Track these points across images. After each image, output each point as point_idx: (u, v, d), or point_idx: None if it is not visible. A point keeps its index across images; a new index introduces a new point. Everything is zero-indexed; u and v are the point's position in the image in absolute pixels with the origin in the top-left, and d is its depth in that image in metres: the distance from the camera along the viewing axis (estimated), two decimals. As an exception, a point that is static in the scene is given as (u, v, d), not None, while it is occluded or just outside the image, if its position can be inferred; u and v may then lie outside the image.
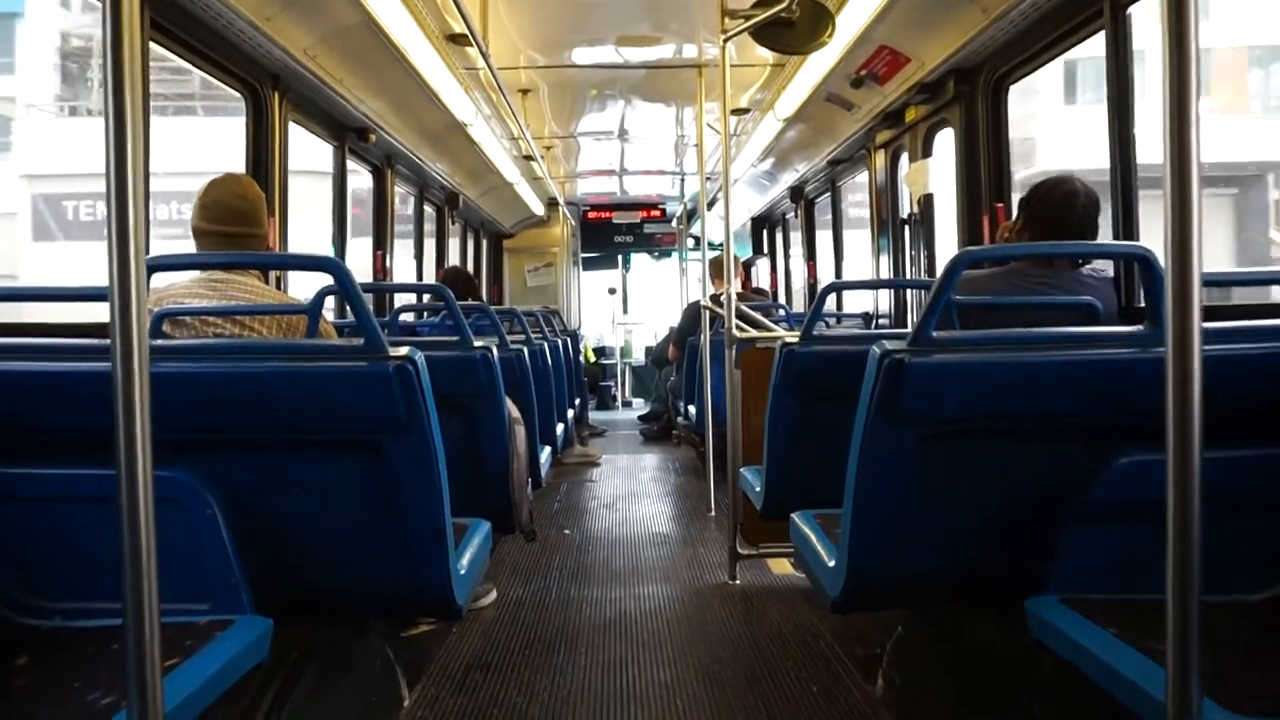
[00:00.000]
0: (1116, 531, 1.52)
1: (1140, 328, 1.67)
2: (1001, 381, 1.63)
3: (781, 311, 6.26)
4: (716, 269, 6.15)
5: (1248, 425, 1.57)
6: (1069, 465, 1.57)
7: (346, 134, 4.69)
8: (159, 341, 1.96)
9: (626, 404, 11.67)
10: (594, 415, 9.74)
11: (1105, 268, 2.69)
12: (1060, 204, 2.41)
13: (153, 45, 2.89)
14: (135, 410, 0.93)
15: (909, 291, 4.94)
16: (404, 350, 1.67)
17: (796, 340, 2.67)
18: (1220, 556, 1.42)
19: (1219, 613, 1.50)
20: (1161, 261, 0.98)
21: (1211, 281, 1.71)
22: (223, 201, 2.36)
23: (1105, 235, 2.60)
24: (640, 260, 12.26)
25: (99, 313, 1.41)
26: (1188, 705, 0.95)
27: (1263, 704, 1.11)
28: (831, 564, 1.96)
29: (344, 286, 1.75)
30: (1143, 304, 1.95)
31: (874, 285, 5.66)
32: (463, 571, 2.01)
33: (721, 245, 3.74)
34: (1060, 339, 1.67)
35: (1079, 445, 1.61)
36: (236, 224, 2.36)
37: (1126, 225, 2.86)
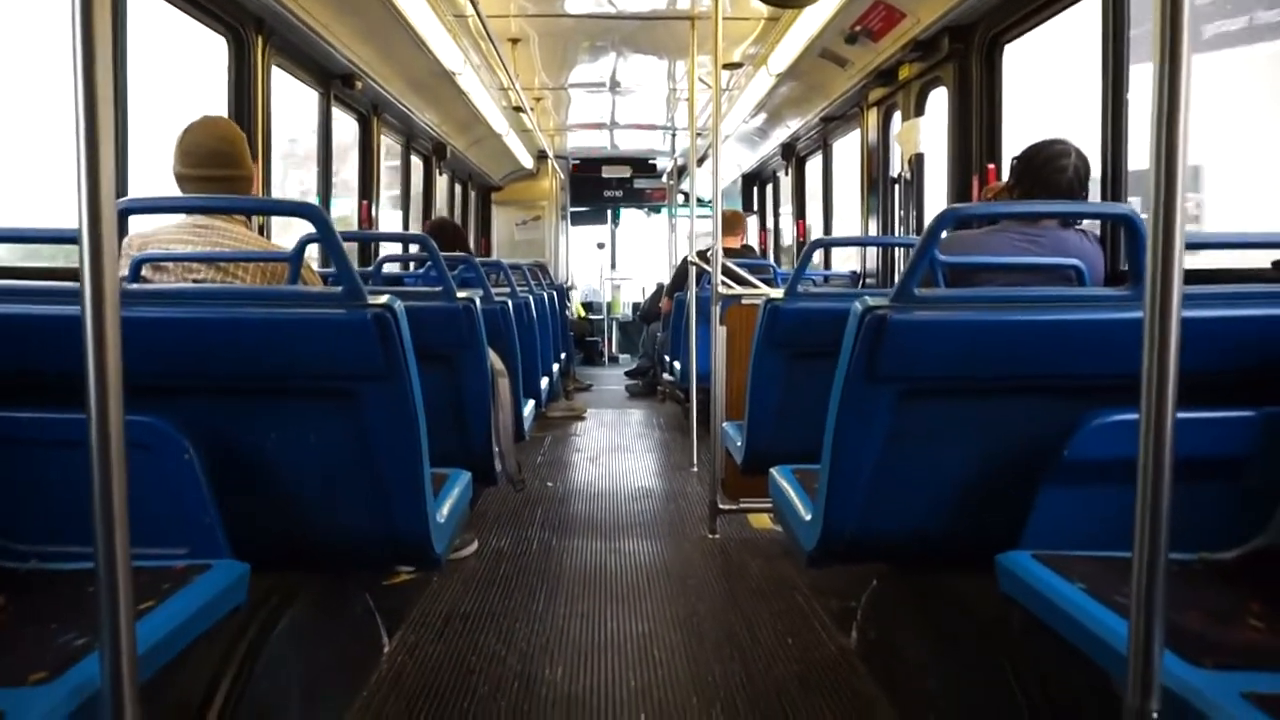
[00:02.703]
0: (1090, 490, 1.54)
1: (1123, 289, 1.67)
2: (982, 340, 1.63)
3: (771, 270, 6.25)
4: (729, 224, 6.05)
5: (1223, 387, 1.58)
6: (1047, 424, 1.58)
7: (332, 81, 4.62)
8: (134, 286, 1.94)
9: (613, 359, 11.68)
10: (581, 370, 9.76)
11: (1096, 228, 2.69)
12: (1051, 165, 2.39)
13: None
14: (106, 354, 0.92)
15: (897, 251, 4.93)
16: (383, 299, 1.65)
17: (781, 296, 2.67)
18: (1190, 516, 1.44)
19: (1186, 571, 1.53)
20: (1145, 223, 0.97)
21: (1194, 244, 1.72)
22: (204, 145, 2.31)
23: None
24: (631, 216, 12.17)
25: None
26: (1149, 658, 0.96)
27: (1222, 657, 1.13)
28: (808, 518, 1.98)
29: (324, 233, 1.73)
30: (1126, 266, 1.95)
31: (860, 242, 5.64)
32: (441, 521, 2.02)
33: (711, 202, 3.71)
34: (1042, 299, 1.67)
35: (1057, 404, 1.62)
36: (219, 166, 2.32)
37: (1115, 187, 2.85)
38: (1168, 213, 0.93)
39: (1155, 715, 0.95)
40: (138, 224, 2.36)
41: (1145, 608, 0.96)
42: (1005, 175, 2.73)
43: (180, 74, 3.81)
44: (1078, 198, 2.41)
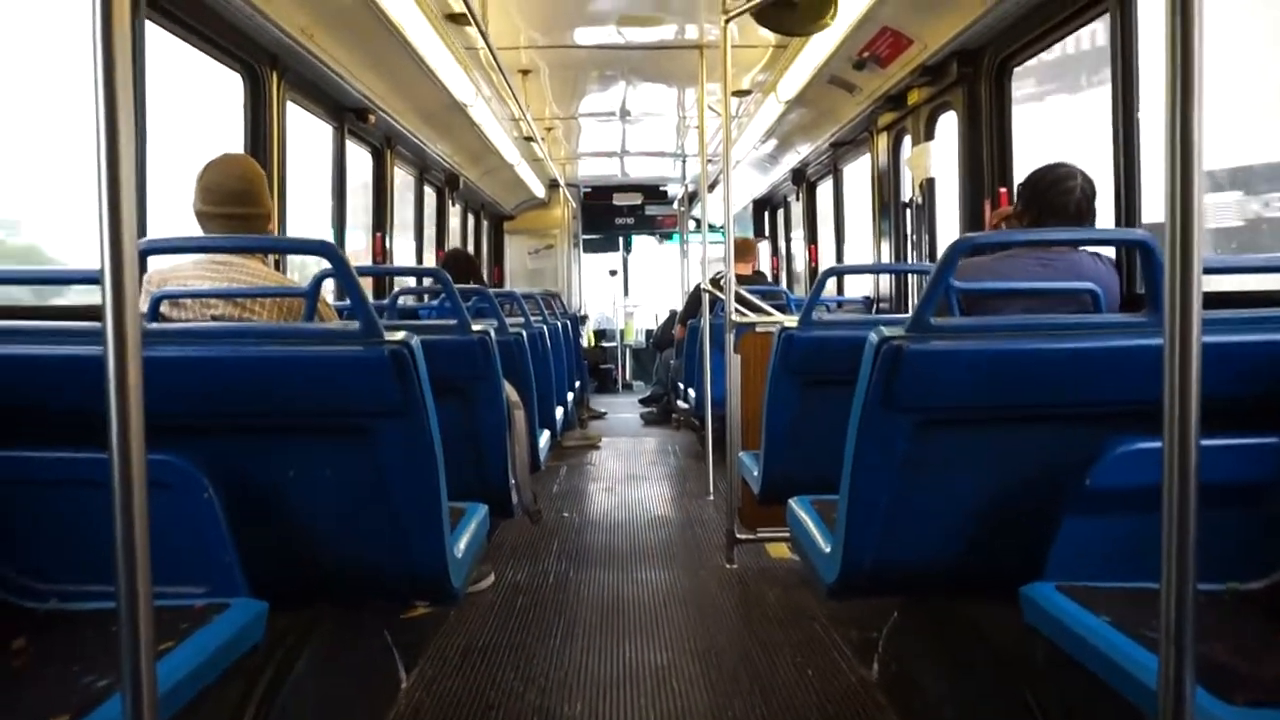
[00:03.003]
0: (1113, 519, 1.52)
1: (1140, 315, 1.66)
2: (1000, 369, 1.62)
3: (784, 296, 6.25)
4: (741, 250, 6.05)
5: (1246, 413, 1.56)
6: (1067, 452, 1.56)
7: (345, 114, 4.67)
8: (154, 325, 1.95)
9: (627, 387, 11.67)
10: (594, 398, 9.75)
11: (1106, 251, 2.67)
12: (1056, 188, 2.40)
13: (150, 24, 2.87)
14: (128, 393, 0.93)
15: (910, 276, 4.92)
16: (399, 335, 1.66)
17: (795, 325, 2.67)
18: (1216, 545, 1.42)
19: (1214, 601, 1.50)
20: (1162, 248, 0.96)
21: (1212, 269, 1.70)
22: (223, 185, 2.35)
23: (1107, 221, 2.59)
24: (643, 243, 12.21)
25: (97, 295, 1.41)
26: (1181, 694, 0.94)
27: (1255, 692, 1.11)
28: (827, 550, 1.96)
29: (338, 270, 1.74)
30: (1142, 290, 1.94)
31: (872, 270, 5.64)
32: (459, 555, 2.01)
33: (723, 228, 3.72)
34: (1059, 326, 1.66)
35: (1077, 432, 1.60)
36: (238, 205, 2.35)
37: (1129, 211, 2.84)
38: (1185, 238, 0.92)
39: None
40: (155, 260, 2.40)
41: (1175, 642, 0.94)
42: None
43: (202, 108, 3.86)
44: (1085, 220, 2.41)
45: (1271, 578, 1.54)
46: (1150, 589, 0.96)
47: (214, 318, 2.29)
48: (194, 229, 2.36)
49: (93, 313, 2.09)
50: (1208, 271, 0.94)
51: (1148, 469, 0.95)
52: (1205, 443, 0.94)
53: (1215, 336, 1.53)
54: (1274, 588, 1.53)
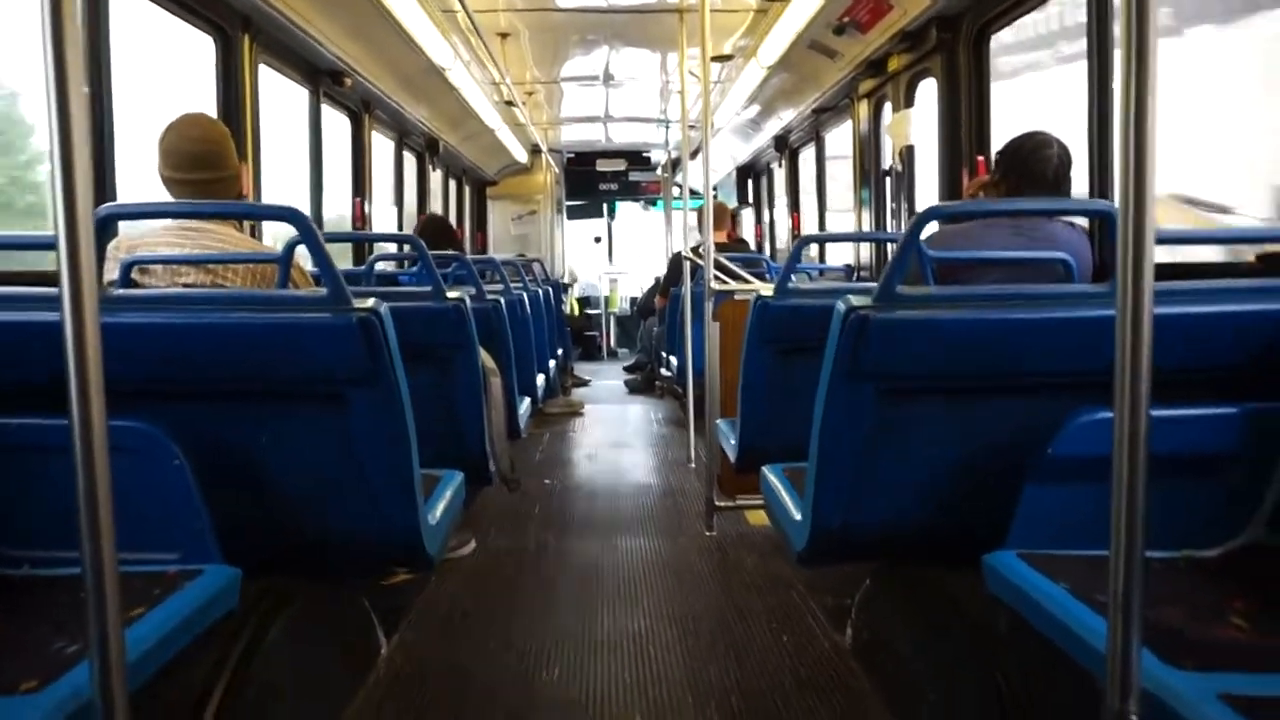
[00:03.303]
0: (1074, 488, 1.54)
1: (1103, 286, 1.67)
2: (964, 339, 1.63)
3: (764, 264, 6.25)
4: (719, 216, 6.03)
5: (1201, 384, 1.58)
6: (1030, 422, 1.58)
7: (321, 78, 4.60)
8: (120, 291, 1.94)
9: (612, 354, 11.67)
10: (579, 366, 9.75)
11: (1082, 221, 2.69)
12: (1035, 155, 2.40)
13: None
14: (86, 357, 0.93)
15: (889, 245, 4.93)
16: (369, 302, 1.65)
17: (771, 293, 2.67)
18: (1172, 514, 1.45)
19: (1169, 568, 1.53)
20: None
21: (1165, 239, 1.72)
22: (181, 149, 2.29)
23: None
24: (628, 209, 12.16)
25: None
26: (1129, 658, 0.97)
27: (1202, 658, 1.14)
28: (797, 517, 1.98)
29: (307, 237, 1.73)
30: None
31: (848, 239, 5.64)
32: (433, 522, 2.02)
33: (702, 195, 3.72)
34: (1022, 297, 1.68)
35: (1041, 402, 1.62)
36: (199, 170, 2.29)
37: (1101, 181, 2.85)
38: (1138, 207, 0.93)
39: (1134, 717, 0.96)
40: (126, 226, 2.37)
41: (1123, 608, 0.97)
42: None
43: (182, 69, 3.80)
44: (1063, 188, 2.42)
45: (1226, 546, 1.57)
46: (1108, 557, 0.98)
47: (185, 285, 2.26)
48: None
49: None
50: (1160, 242, 0.95)
51: (1106, 438, 0.97)
52: (1160, 413, 0.95)
53: (1172, 308, 1.55)
54: (1228, 555, 1.56)
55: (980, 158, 3.72)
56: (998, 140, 3.64)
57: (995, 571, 1.52)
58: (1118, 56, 0.94)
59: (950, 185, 3.94)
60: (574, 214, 11.69)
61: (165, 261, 2.26)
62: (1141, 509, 0.96)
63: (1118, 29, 0.95)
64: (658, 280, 7.65)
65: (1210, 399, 1.55)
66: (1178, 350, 1.47)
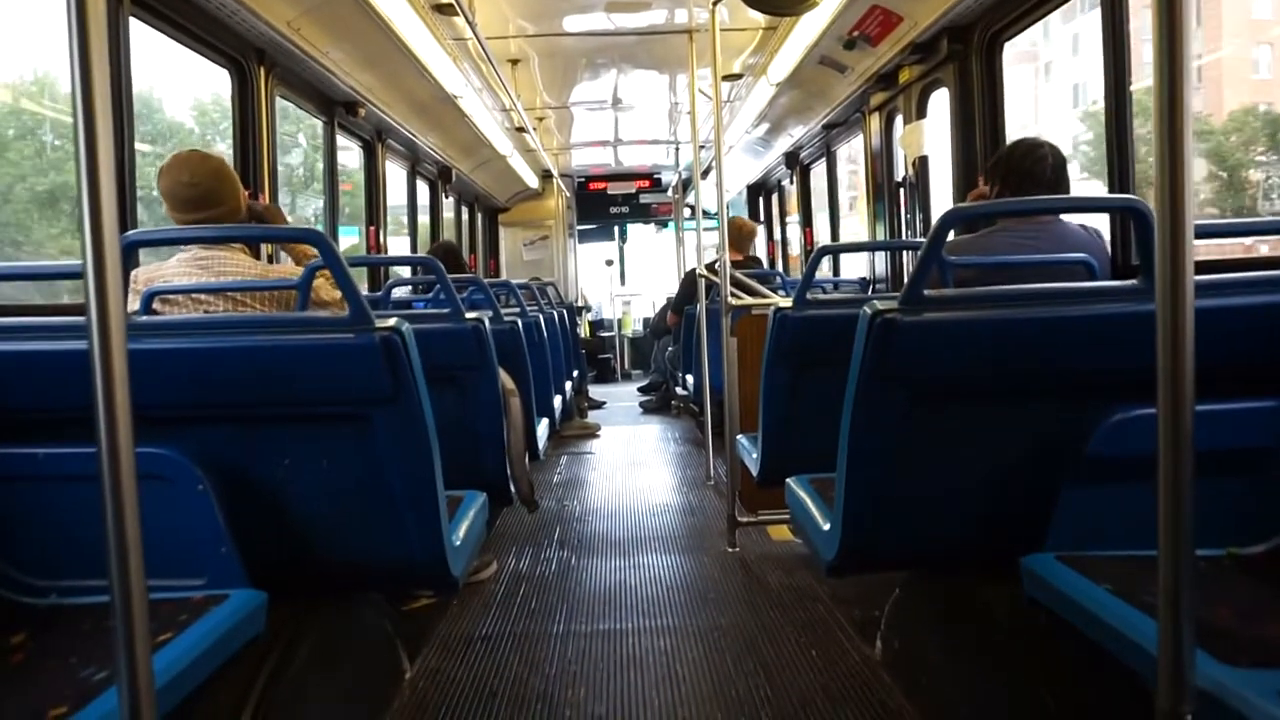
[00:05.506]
0: (1112, 488, 1.51)
1: (1134, 282, 1.65)
2: (993, 339, 1.61)
3: (779, 279, 6.23)
4: (742, 234, 6.02)
5: (1243, 378, 1.56)
6: (1064, 422, 1.56)
7: (335, 108, 4.65)
8: (144, 319, 1.95)
9: (626, 376, 11.66)
10: (593, 388, 9.75)
11: (1088, 220, 2.68)
12: (1030, 157, 2.43)
13: (135, 21, 2.86)
14: (114, 386, 0.92)
15: (905, 255, 4.91)
16: (391, 321, 1.65)
17: (789, 305, 2.66)
18: (1215, 510, 1.42)
19: (1214, 566, 1.50)
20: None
21: (1204, 233, 1.70)
22: (177, 194, 2.31)
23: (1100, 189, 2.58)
24: (638, 231, 12.19)
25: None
26: (1180, 658, 0.94)
27: (1256, 655, 1.11)
28: (826, 527, 1.96)
29: (328, 258, 1.74)
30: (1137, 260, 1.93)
31: (865, 248, 5.63)
32: (458, 543, 2.01)
33: (718, 214, 3.72)
34: (1051, 295, 1.66)
35: (1073, 402, 1.60)
36: (196, 210, 2.32)
37: (1122, 178, 2.83)
38: (1174, 201, 0.91)
39: (1189, 717, 0.93)
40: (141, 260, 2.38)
41: (1173, 606, 0.94)
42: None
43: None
44: (1060, 187, 2.44)
45: (1272, 542, 1.54)
46: (1150, 556, 0.96)
47: (207, 313, 2.28)
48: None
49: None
50: (1199, 236, 0.94)
51: (1145, 437, 0.95)
52: (1202, 408, 0.93)
53: (1209, 301, 1.52)
54: (1274, 552, 1.53)
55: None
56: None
57: (1034, 575, 1.50)
58: (1149, 51, 0.93)
59: (965, 194, 3.92)
60: (585, 238, 11.73)
61: (189, 291, 2.28)
62: (1188, 506, 0.94)
63: (1147, 24, 0.94)
64: (669, 300, 7.64)
65: (1250, 393, 1.52)
66: (1217, 344, 1.45)
